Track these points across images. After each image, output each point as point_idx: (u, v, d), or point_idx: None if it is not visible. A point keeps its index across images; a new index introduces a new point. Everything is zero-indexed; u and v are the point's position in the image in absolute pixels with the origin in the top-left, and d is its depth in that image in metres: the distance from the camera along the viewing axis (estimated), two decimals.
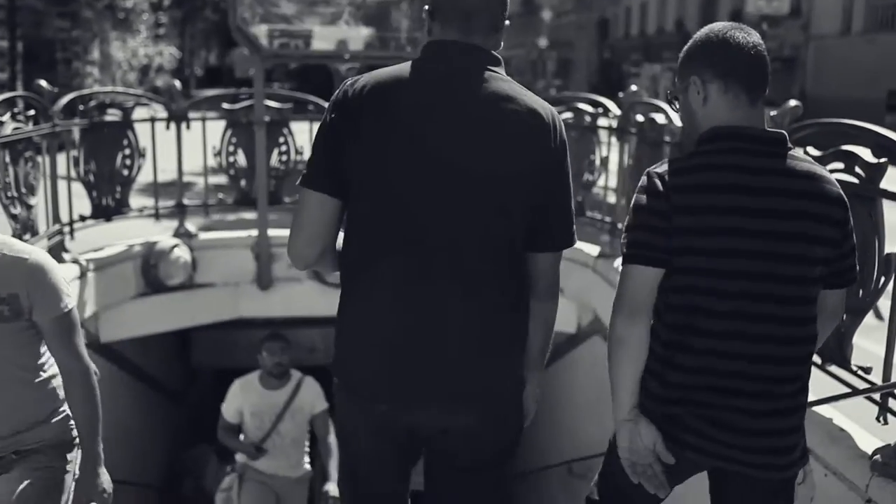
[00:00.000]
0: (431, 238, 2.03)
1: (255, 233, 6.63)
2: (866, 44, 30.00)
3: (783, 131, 2.15)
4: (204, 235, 6.68)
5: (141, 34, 30.24)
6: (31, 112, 5.22)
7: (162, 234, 6.47)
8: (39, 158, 5.35)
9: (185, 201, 6.66)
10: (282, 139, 6.72)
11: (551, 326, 2.35)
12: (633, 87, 6.11)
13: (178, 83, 6.68)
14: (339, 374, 2.22)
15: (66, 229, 5.77)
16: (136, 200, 6.42)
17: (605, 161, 6.32)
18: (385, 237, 2.06)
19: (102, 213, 6.14)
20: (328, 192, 2.12)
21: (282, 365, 5.41)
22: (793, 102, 3.80)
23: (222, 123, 6.66)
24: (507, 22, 2.18)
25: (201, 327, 7.00)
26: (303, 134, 6.79)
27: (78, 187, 6.00)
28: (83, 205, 6.03)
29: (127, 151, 6.21)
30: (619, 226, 5.95)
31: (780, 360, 2.08)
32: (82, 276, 5.66)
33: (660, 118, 5.33)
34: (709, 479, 2.33)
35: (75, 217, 5.90)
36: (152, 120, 6.35)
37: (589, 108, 6.39)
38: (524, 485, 7.43)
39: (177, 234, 6.48)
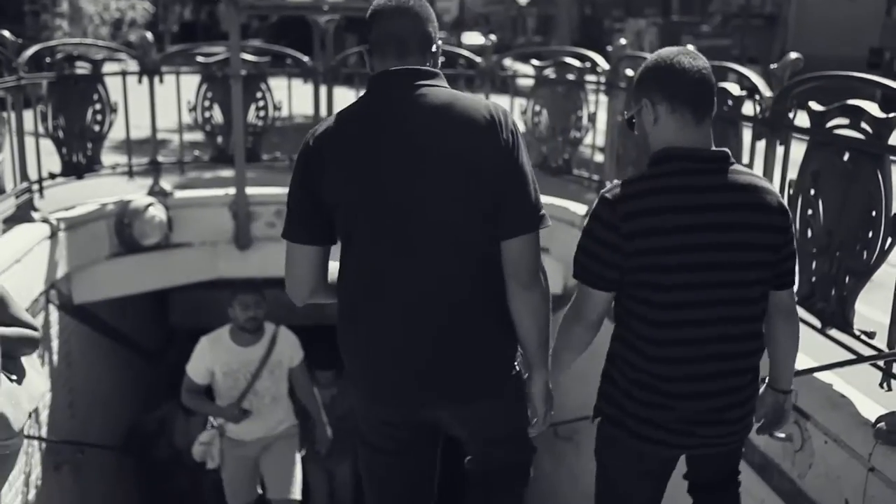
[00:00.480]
0: (417, 246, 2.20)
1: (232, 191, 6.44)
2: (848, 1, 29.80)
3: (725, 150, 2.31)
4: (180, 194, 6.47)
5: None
6: None
7: (136, 192, 6.26)
8: (4, 114, 5.11)
9: (160, 158, 6.44)
10: (259, 94, 6.50)
11: (543, 317, 2.33)
12: (622, 41, 5.93)
13: (150, 35, 6.40)
14: (355, 386, 2.44)
15: (35, 187, 5.54)
16: (108, 157, 6.20)
17: (592, 117, 6.15)
18: (373, 258, 2.25)
19: (73, 170, 5.92)
20: (306, 242, 2.32)
21: (256, 319, 4.87)
22: (793, 55, 3.70)
23: (197, 78, 6.42)
24: (440, 40, 2.32)
25: (179, 287, 6.82)
26: (281, 90, 6.57)
27: (47, 144, 5.77)
28: (53, 162, 5.80)
29: (97, 106, 5.97)
30: (608, 184, 5.81)
31: (742, 354, 2.34)
32: (53, 235, 5.45)
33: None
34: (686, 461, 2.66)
35: (44, 175, 5.67)
36: (123, 73, 6.11)
37: (576, 63, 6.21)
38: None
39: (151, 193, 6.27)
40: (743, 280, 2.28)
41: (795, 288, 2.54)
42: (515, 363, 2.39)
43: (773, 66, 3.69)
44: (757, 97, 3.76)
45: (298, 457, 5.22)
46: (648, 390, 2.33)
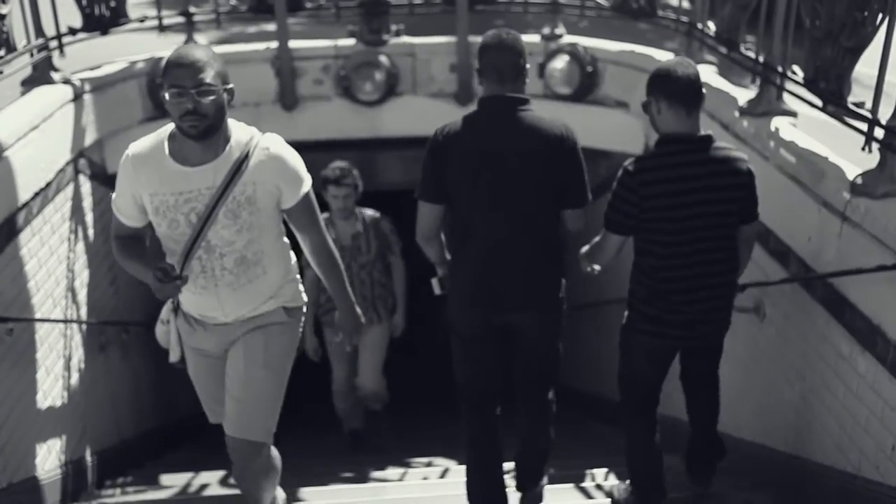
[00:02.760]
0: (503, 211, 3.23)
1: (274, 45, 5.81)
2: None
3: (709, 133, 3.22)
4: (216, 49, 5.82)
5: None
6: None
7: (167, 48, 5.65)
8: None
9: (193, 10, 5.77)
10: None
11: (578, 246, 3.52)
12: None
13: None
14: (461, 296, 3.42)
15: (54, 44, 4.97)
16: (135, 10, 5.56)
17: None
18: (475, 216, 3.27)
19: (96, 24, 5.31)
20: (433, 202, 3.33)
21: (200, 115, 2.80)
22: None
23: None
24: (528, 67, 3.28)
25: None
26: None
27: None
28: (72, 15, 5.20)
29: None
30: (699, 26, 5.00)
31: (724, 272, 3.29)
32: (77, 98, 4.93)
33: None
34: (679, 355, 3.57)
35: (63, 30, 5.08)
36: None
37: None
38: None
39: None
40: (721, 223, 3.23)
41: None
42: (561, 293, 3.42)
43: None
44: None
45: (283, 364, 3.16)
46: (661, 300, 3.28)
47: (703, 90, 3.21)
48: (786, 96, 4.04)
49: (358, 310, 3.34)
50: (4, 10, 4.38)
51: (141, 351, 5.94)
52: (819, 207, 3.36)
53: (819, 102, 3.57)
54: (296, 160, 2.94)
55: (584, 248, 3.46)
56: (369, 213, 5.19)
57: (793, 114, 4.07)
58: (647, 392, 3.51)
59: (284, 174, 2.90)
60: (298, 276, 3.24)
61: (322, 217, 4.10)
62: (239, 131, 2.90)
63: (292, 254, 3.18)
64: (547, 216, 3.28)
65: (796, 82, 3.79)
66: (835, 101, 3.45)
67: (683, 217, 3.13)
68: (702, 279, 3.20)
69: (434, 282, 3.61)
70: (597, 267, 3.46)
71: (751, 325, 4.03)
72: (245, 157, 2.83)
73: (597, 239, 3.37)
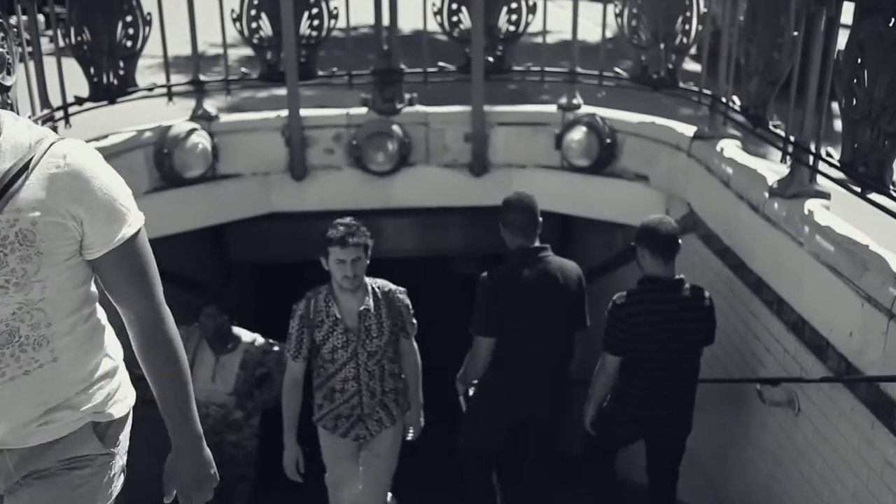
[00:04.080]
0: (536, 338, 4.11)
1: (285, 113, 5.68)
2: None
3: (682, 277, 4.02)
4: (226, 118, 5.71)
5: None
6: None
7: (176, 117, 5.53)
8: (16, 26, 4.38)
9: (203, 77, 5.65)
10: (312, 0, 5.62)
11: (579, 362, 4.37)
12: None
13: None
14: (485, 392, 4.33)
15: (59, 114, 4.85)
16: (143, 78, 5.44)
17: (703, 19, 5.15)
18: (514, 343, 4.11)
19: (104, 93, 5.19)
20: (489, 335, 4.13)
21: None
22: None
23: None
24: (540, 220, 4.14)
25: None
26: (338, 2, 5.68)
27: (72, 64, 5.04)
28: (79, 85, 5.08)
29: (129, 18, 5.19)
30: (723, 100, 4.85)
31: (685, 387, 4.13)
32: None
33: None
34: (645, 447, 4.37)
35: (70, 99, 4.96)
36: None
37: None
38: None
39: (194, 117, 5.54)
40: (689, 347, 4.05)
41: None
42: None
43: None
44: None
45: None
46: (636, 404, 4.13)
47: (680, 242, 4.02)
48: (819, 176, 3.88)
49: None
50: (9, 82, 4.25)
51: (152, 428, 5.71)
52: (862, 301, 3.16)
53: (857, 188, 3.41)
54: (111, 180, 1.93)
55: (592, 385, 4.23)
56: (381, 284, 4.15)
57: (826, 195, 3.90)
58: (607, 455, 4.52)
59: (88, 200, 1.86)
60: (122, 368, 2.14)
61: (315, 292, 3.98)
62: (18, 129, 1.87)
63: (113, 338, 2.12)
64: (567, 339, 4.22)
65: (832, 164, 3.62)
66: (876, 187, 3.29)
67: (660, 341, 3.95)
68: (671, 391, 4.06)
69: (462, 399, 4.43)
70: (591, 413, 4.26)
71: (784, 418, 3.81)
72: (24, 169, 1.81)
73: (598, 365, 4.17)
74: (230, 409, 4.96)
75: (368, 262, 4.00)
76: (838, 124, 3.59)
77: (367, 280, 4.08)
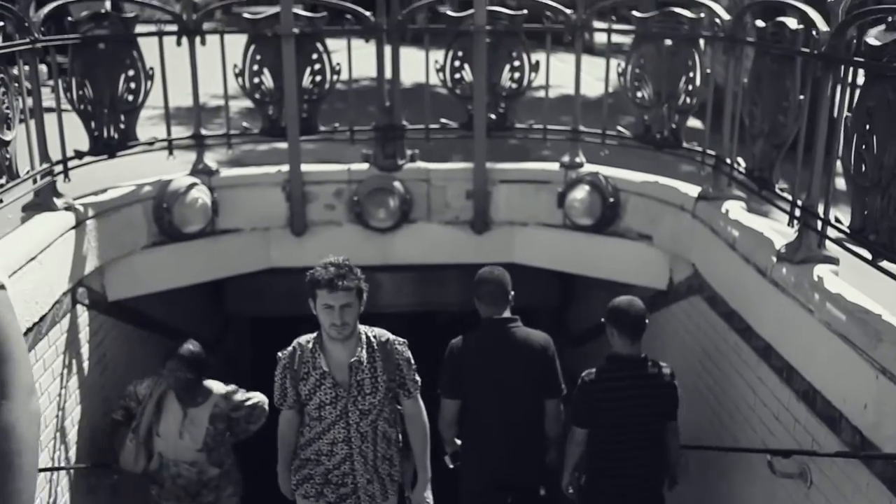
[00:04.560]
0: (505, 404, 4.24)
1: (285, 168, 5.65)
2: None
3: (645, 355, 4.25)
4: (226, 172, 5.68)
5: None
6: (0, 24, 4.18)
7: (177, 171, 5.49)
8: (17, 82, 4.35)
9: (204, 132, 5.63)
10: (315, 56, 5.61)
11: (556, 433, 4.44)
12: None
13: None
14: (471, 463, 4.41)
15: (59, 168, 4.79)
16: (144, 131, 5.41)
17: (707, 78, 5.14)
18: (480, 406, 4.28)
19: (104, 147, 5.15)
20: (453, 397, 4.27)
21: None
22: None
23: (244, 38, 5.56)
24: (511, 293, 4.34)
25: None
26: (340, 51, 5.67)
27: (73, 118, 5.01)
28: (79, 138, 5.03)
29: (131, 73, 5.17)
30: (728, 161, 4.82)
31: (650, 459, 4.27)
32: (79, 225, 4.72)
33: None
34: None
35: (70, 153, 4.91)
36: (160, 34, 5.30)
37: (686, 13, 5.20)
38: None
39: (194, 171, 5.50)
40: (653, 420, 4.24)
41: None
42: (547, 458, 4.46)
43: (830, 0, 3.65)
44: (813, 32, 3.79)
45: None
46: (605, 475, 4.32)
47: (647, 322, 4.25)
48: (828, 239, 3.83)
49: None
50: (8, 137, 4.21)
51: (132, 494, 5.57)
52: (876, 374, 3.08)
53: (866, 254, 3.35)
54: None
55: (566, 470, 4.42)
56: (378, 333, 3.71)
57: (835, 261, 3.84)
58: None
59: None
60: None
61: (303, 341, 3.70)
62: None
63: None
64: (534, 404, 4.29)
65: (841, 231, 3.57)
66: (887, 255, 3.23)
67: (623, 416, 4.17)
68: (634, 461, 4.24)
69: (447, 458, 4.41)
70: (566, 480, 4.43)
71: (795, 491, 3.70)
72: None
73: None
74: (203, 467, 4.64)
75: (362, 309, 3.56)
76: (841, 181, 3.57)
77: (362, 328, 3.63)
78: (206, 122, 5.98)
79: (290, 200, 5.62)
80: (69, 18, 5.00)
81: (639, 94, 5.43)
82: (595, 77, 6.19)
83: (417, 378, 3.77)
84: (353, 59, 5.61)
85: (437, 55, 5.67)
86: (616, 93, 5.97)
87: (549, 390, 4.28)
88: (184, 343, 4.53)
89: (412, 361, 3.73)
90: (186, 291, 6.05)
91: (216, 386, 4.66)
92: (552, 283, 7.41)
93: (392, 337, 3.72)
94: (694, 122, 5.62)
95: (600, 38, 5.97)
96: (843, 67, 3.62)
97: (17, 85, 4.33)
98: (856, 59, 3.51)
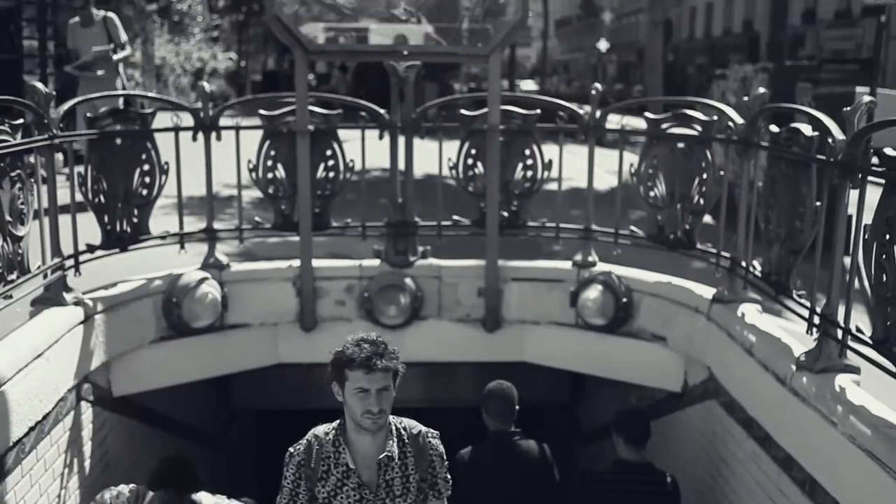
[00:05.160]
0: None
1: (297, 263, 5.62)
2: None
3: (650, 461, 4.51)
4: (237, 266, 5.65)
5: (195, 37, 29.73)
6: (20, 121, 4.21)
7: (188, 263, 5.47)
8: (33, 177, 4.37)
9: (216, 225, 5.63)
10: (329, 152, 5.65)
11: None
12: (761, 90, 4.93)
13: (207, 85, 5.66)
14: None
15: (70, 263, 4.78)
16: (157, 221, 5.40)
17: (720, 181, 5.14)
18: None
19: (116, 241, 5.15)
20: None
21: None
22: (866, 98, 3.71)
23: (259, 133, 5.61)
24: (517, 407, 4.60)
25: None
26: (354, 141, 5.71)
27: (84, 209, 5.01)
28: (92, 232, 5.03)
29: (146, 167, 5.22)
30: (743, 263, 4.79)
31: None
32: (87, 320, 4.68)
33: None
34: None
35: (82, 247, 4.90)
36: (176, 129, 5.34)
37: (700, 116, 5.24)
38: None
39: (205, 266, 5.48)
40: None
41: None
42: None
43: (846, 109, 3.69)
44: (829, 140, 3.80)
45: None
46: None
47: (650, 433, 4.46)
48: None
49: None
50: (21, 232, 4.21)
51: None
52: None
53: (893, 367, 3.27)
54: None
55: None
56: (409, 425, 3.19)
57: (856, 370, 3.75)
58: None
59: None
60: None
61: (321, 433, 3.15)
62: None
63: None
64: None
65: (864, 342, 3.50)
66: None
67: None
68: None
69: None
70: None
71: None
72: None
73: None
74: None
75: (394, 394, 3.01)
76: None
77: (391, 418, 3.11)
78: (218, 212, 6.00)
79: (301, 296, 5.58)
80: (87, 114, 5.05)
81: (652, 195, 5.43)
82: (605, 170, 6.21)
83: (449, 477, 3.26)
84: (367, 147, 5.67)
85: (449, 147, 5.72)
86: (627, 185, 5.97)
87: (552, 495, 4.60)
88: (166, 464, 4.18)
89: (445, 457, 3.24)
90: (192, 384, 5.97)
91: (205, 498, 4.42)
92: (563, 380, 7.31)
93: (424, 429, 3.20)
94: (708, 217, 5.61)
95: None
96: (860, 176, 3.63)
97: (32, 180, 4.35)
98: (874, 167, 3.52)
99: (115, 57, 8.59)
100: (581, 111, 5.72)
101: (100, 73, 8.56)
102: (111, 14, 8.86)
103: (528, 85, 54.15)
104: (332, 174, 5.65)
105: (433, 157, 5.76)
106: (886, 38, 30.97)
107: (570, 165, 5.87)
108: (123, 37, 8.84)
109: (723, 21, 46.07)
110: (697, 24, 49.88)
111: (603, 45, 53.07)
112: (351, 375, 2.92)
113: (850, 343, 3.66)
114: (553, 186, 5.79)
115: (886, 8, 9.20)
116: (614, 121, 5.87)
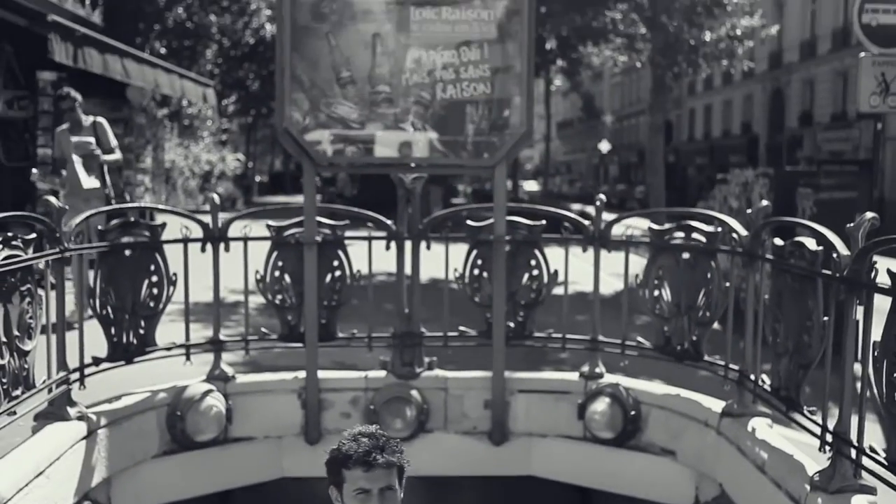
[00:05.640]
0: None
1: (302, 374, 5.59)
2: None
3: None
4: (242, 378, 5.62)
5: (204, 140, 30.32)
6: (32, 235, 4.27)
7: (193, 374, 5.44)
8: (41, 290, 4.40)
9: (222, 336, 5.63)
10: (336, 262, 5.70)
11: None
12: (764, 202, 4.99)
13: (216, 197, 5.73)
14: None
15: (75, 376, 4.75)
16: (161, 328, 5.39)
17: (726, 292, 5.15)
18: None
19: (122, 353, 5.13)
20: None
21: None
22: (869, 214, 3.71)
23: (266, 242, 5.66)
24: None
25: None
26: (360, 256, 5.75)
27: (91, 322, 5.02)
28: (98, 344, 5.03)
29: (154, 279, 5.25)
30: (752, 377, 4.75)
31: None
32: (90, 435, 4.63)
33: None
34: None
35: (87, 360, 4.88)
36: (185, 241, 5.40)
37: (704, 227, 5.29)
38: None
39: (210, 377, 5.45)
40: None
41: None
42: None
43: (849, 225, 3.73)
44: (834, 255, 3.82)
45: None
46: None
47: None
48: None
49: None
50: (28, 347, 4.21)
51: None
52: None
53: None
54: None
55: None
56: None
57: (872, 491, 3.68)
58: None
59: None
60: None
61: None
62: None
63: None
64: None
65: (878, 462, 3.44)
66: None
67: None
68: None
69: None
70: None
71: None
72: None
73: None
74: None
75: (401, 496, 2.69)
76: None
77: None
78: (224, 318, 5.99)
79: (306, 408, 5.53)
80: (99, 227, 5.10)
81: (658, 306, 5.44)
82: (610, 273, 6.23)
83: None
84: (373, 252, 5.72)
85: (455, 249, 5.76)
86: (632, 288, 5.97)
87: None
88: None
89: None
90: (193, 499, 5.86)
91: None
92: (572, 495, 7.14)
93: None
94: (715, 323, 5.60)
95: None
96: (866, 292, 3.64)
97: (41, 293, 4.37)
98: (880, 286, 3.53)
99: (102, 157, 8.16)
100: (586, 222, 5.76)
101: (64, 173, 8.12)
102: (101, 119, 8.49)
103: (531, 185, 54.89)
104: (338, 285, 5.68)
105: (439, 259, 5.79)
106: (883, 141, 31.56)
107: (576, 268, 5.89)
108: (113, 142, 8.45)
109: (722, 123, 46.97)
110: (697, 126, 50.83)
111: (604, 146, 54.06)
112: (349, 475, 2.60)
113: (865, 462, 3.60)
114: (559, 290, 5.80)
115: (882, 115, 9.38)
116: (619, 231, 5.91)
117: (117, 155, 8.50)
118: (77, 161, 8.06)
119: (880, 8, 8.20)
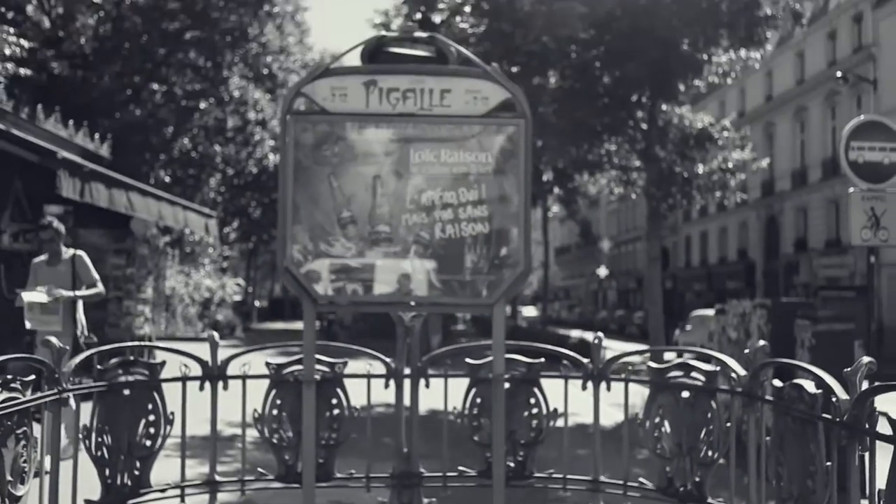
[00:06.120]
0: None
1: None
2: None
3: None
4: None
5: (205, 267, 30.57)
6: (31, 377, 4.27)
7: None
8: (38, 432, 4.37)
9: (217, 477, 5.54)
10: (335, 400, 5.69)
11: None
12: (761, 342, 5.02)
13: (216, 336, 5.76)
14: None
15: None
16: (157, 465, 5.30)
17: (727, 431, 5.11)
18: None
19: (116, 496, 5.05)
20: None
21: None
22: (865, 359, 3.74)
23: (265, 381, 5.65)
24: None
25: None
26: (359, 391, 5.72)
27: (86, 462, 4.96)
28: (91, 485, 4.95)
29: (151, 418, 5.22)
30: None
31: None
32: None
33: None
34: None
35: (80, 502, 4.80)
36: (183, 379, 5.39)
37: (704, 366, 5.29)
38: None
39: None
40: None
41: None
42: None
43: (846, 370, 3.74)
44: (833, 399, 3.81)
45: None
46: None
47: None
48: None
49: None
50: (20, 492, 4.15)
51: None
52: None
53: None
54: None
55: None
56: None
57: None
58: None
59: None
60: None
61: None
62: None
63: None
64: None
65: None
66: None
67: None
68: None
69: None
70: None
71: None
72: None
73: None
74: None
75: None
76: None
77: None
78: (221, 452, 5.89)
79: None
80: (98, 366, 5.11)
81: (659, 445, 5.39)
82: (610, 403, 6.17)
83: None
84: (371, 385, 5.72)
85: (454, 382, 5.72)
86: (633, 421, 5.92)
87: None
88: None
89: None
90: None
91: None
92: None
93: None
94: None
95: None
96: (868, 438, 3.62)
97: (36, 437, 4.34)
98: (881, 434, 3.50)
99: (76, 293, 7.92)
100: (584, 360, 5.77)
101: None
102: (80, 252, 8.19)
103: (529, 311, 54.93)
104: (336, 423, 5.64)
105: (438, 390, 5.75)
106: (878, 268, 31.75)
107: (576, 398, 5.86)
108: (94, 275, 8.13)
109: (718, 249, 47.50)
110: (693, 252, 51.37)
111: (602, 271, 54.43)
112: None
113: None
114: (560, 422, 5.74)
115: (875, 248, 9.52)
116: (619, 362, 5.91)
117: (98, 289, 8.16)
118: (39, 292, 7.84)
119: (866, 146, 8.45)
